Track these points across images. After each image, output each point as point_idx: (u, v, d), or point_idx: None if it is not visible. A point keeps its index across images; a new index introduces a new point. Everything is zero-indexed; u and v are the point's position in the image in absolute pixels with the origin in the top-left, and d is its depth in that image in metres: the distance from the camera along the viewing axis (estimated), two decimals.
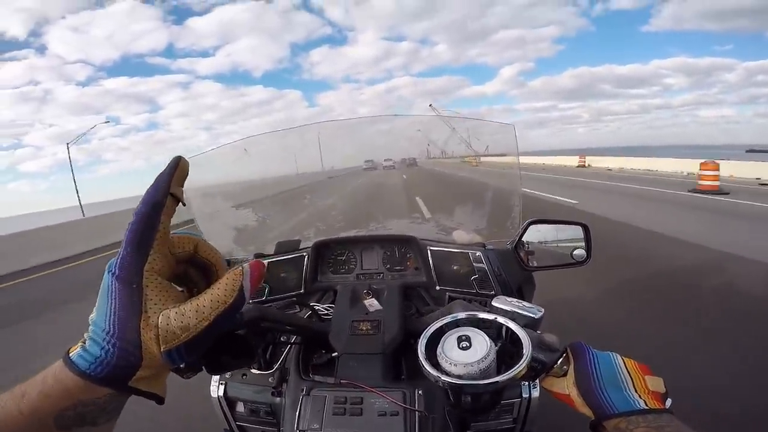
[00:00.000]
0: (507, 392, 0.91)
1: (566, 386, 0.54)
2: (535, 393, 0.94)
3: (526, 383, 0.94)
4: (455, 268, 1.11)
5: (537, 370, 0.55)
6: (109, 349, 0.31)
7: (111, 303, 0.32)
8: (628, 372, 0.51)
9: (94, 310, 0.33)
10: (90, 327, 0.33)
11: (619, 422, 0.46)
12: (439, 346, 0.54)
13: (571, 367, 0.54)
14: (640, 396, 0.48)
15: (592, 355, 0.54)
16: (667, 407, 0.49)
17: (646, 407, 0.47)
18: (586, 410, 0.51)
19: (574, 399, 0.52)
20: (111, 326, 0.32)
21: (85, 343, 0.32)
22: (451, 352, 0.53)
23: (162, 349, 0.32)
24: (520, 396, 0.94)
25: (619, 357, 0.54)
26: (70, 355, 0.32)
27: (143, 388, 0.34)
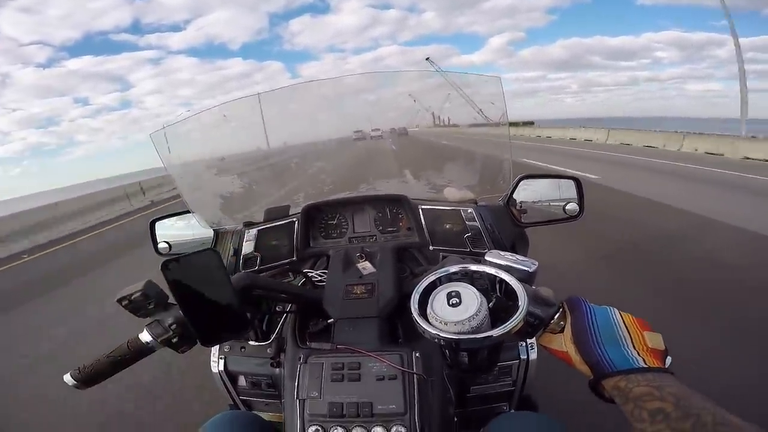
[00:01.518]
0: (505, 354, 0.92)
1: (563, 343, 0.53)
2: (533, 355, 0.94)
3: (524, 344, 0.94)
4: (448, 226, 1.10)
5: (534, 326, 0.54)
6: None
7: None
8: (627, 327, 0.50)
9: None
10: None
11: (619, 381, 0.45)
12: (429, 304, 0.53)
13: (568, 322, 0.53)
14: (639, 353, 0.47)
15: (589, 309, 0.53)
16: (667, 365, 0.48)
17: (646, 365, 0.45)
18: (584, 368, 0.50)
19: (572, 356, 0.51)
20: None
21: None
22: (441, 310, 0.52)
23: None
24: (518, 357, 0.94)
25: (617, 312, 0.53)
26: None
27: None
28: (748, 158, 10.09)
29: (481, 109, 1.24)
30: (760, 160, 9.75)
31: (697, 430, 0.37)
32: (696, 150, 12.10)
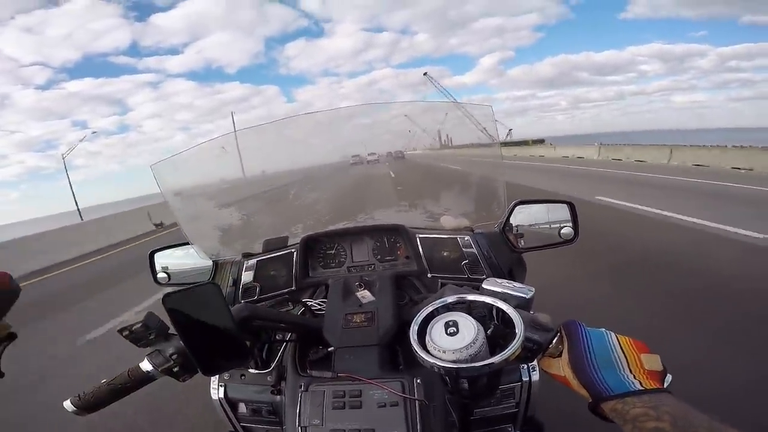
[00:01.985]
0: (507, 377, 0.92)
1: (561, 367, 0.53)
2: (535, 376, 0.94)
3: (526, 367, 0.94)
4: (445, 254, 1.11)
5: (533, 351, 0.55)
6: None
7: None
8: (623, 351, 0.51)
9: None
10: None
11: (615, 404, 0.46)
12: (427, 333, 0.54)
13: (565, 347, 0.54)
14: (635, 376, 0.48)
15: (585, 334, 0.53)
16: (666, 385, 0.48)
17: (642, 387, 0.46)
18: (582, 391, 0.50)
19: (570, 380, 0.52)
20: None
21: None
22: (439, 339, 0.53)
23: None
24: (521, 380, 0.94)
25: (613, 335, 0.53)
26: None
27: None
28: (735, 168, 10.27)
29: (485, 128, 1.26)
30: (744, 169, 9.99)
31: None
32: (684, 162, 12.45)
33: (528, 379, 0.94)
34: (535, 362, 0.57)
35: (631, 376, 0.48)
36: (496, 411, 0.96)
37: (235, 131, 1.27)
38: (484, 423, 0.97)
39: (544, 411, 1.07)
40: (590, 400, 0.49)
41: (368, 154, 2.19)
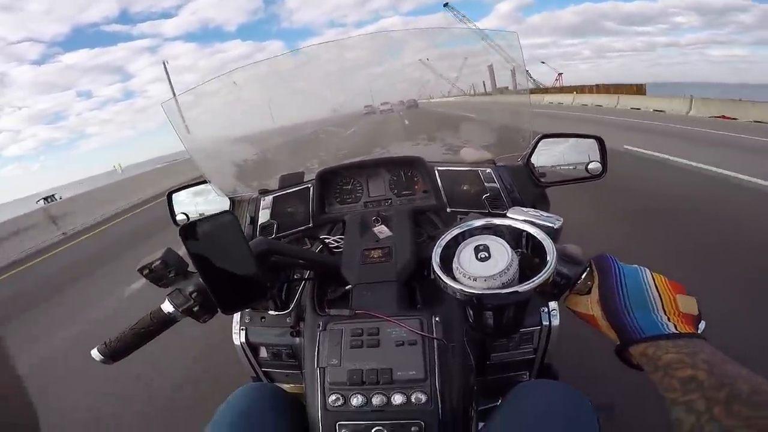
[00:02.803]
0: (527, 320, 0.88)
1: (590, 306, 0.50)
2: (555, 321, 0.90)
3: (546, 310, 0.91)
4: (465, 188, 1.07)
5: (560, 286, 0.52)
6: None
7: None
8: (658, 290, 0.47)
9: None
10: None
11: (647, 348, 0.43)
12: (455, 258, 0.51)
13: (596, 283, 0.50)
14: (669, 318, 0.44)
15: (619, 270, 0.50)
16: (700, 331, 0.45)
17: (676, 331, 0.43)
18: (611, 333, 0.47)
19: (598, 320, 0.49)
20: None
21: None
22: (468, 265, 0.49)
23: None
24: (540, 324, 0.91)
25: (648, 273, 0.50)
26: None
27: None
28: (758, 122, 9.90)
29: (520, 67, 1.17)
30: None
31: (732, 399, 0.34)
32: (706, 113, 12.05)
33: (548, 323, 0.91)
34: (555, 306, 0.54)
35: (665, 318, 0.45)
36: (513, 356, 0.95)
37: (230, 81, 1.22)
38: (501, 368, 0.96)
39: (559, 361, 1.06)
40: (618, 343, 0.46)
41: (381, 104, 2.09)
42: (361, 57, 1.43)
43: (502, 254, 0.49)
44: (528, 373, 0.99)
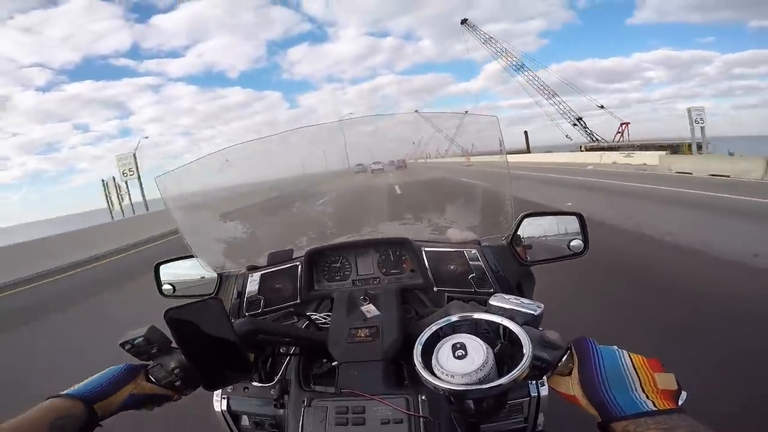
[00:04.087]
0: (515, 392, 0.90)
1: (570, 386, 0.52)
2: (544, 391, 0.92)
3: (534, 382, 0.92)
4: (452, 267, 1.09)
5: (541, 369, 0.53)
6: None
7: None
8: (635, 370, 0.49)
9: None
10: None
11: (627, 425, 0.44)
12: (433, 356, 0.52)
13: (576, 365, 0.52)
14: (648, 396, 0.46)
15: (597, 352, 0.52)
16: (680, 403, 0.47)
17: (655, 408, 0.44)
18: (592, 411, 0.48)
19: (580, 399, 0.50)
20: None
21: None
22: (446, 363, 0.51)
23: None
24: (529, 395, 0.92)
25: (625, 354, 0.52)
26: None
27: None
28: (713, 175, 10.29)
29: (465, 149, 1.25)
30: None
31: None
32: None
33: (537, 394, 0.92)
34: (543, 378, 0.55)
35: (643, 396, 0.46)
36: (505, 426, 0.94)
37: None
38: None
39: (553, 426, 1.04)
40: (600, 420, 0.47)
41: (372, 163, 2.20)
42: (355, 125, 1.53)
43: (479, 352, 0.51)
44: None
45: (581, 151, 28.81)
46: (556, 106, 40.85)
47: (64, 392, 0.59)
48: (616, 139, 34.85)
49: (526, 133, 41.03)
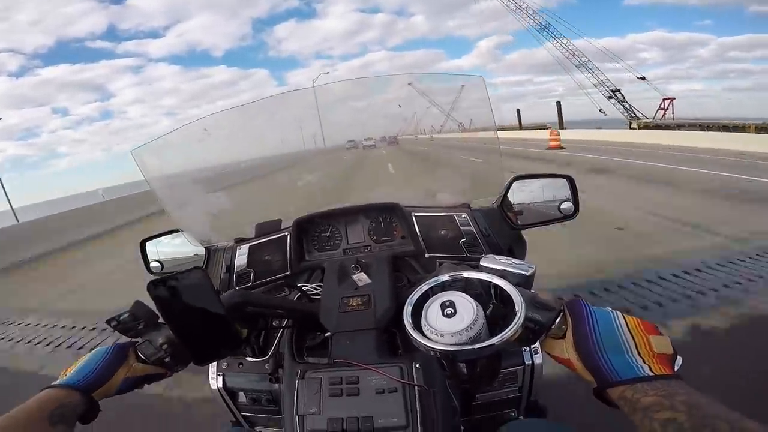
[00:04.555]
0: (509, 360, 0.90)
1: (565, 349, 0.51)
2: (538, 359, 0.92)
3: (528, 350, 0.92)
4: (443, 233, 1.08)
5: (534, 332, 0.52)
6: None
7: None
8: (631, 332, 0.48)
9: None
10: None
11: (624, 390, 0.43)
12: (422, 315, 0.51)
13: (569, 328, 0.51)
14: (644, 360, 0.45)
15: (591, 313, 0.51)
16: (677, 369, 0.46)
17: (652, 373, 0.44)
18: (587, 376, 0.48)
19: (574, 363, 0.49)
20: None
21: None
22: (435, 321, 0.50)
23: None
24: (523, 363, 0.92)
25: (620, 315, 0.51)
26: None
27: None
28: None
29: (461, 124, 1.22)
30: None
31: None
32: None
33: (531, 362, 0.92)
34: (537, 344, 0.55)
35: (640, 360, 0.45)
36: (499, 395, 0.95)
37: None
38: (487, 407, 0.96)
39: (547, 395, 1.06)
40: (596, 385, 0.47)
41: (364, 139, 2.16)
42: (346, 96, 1.48)
43: (468, 309, 0.50)
44: (516, 411, 0.99)
45: (632, 129, 24.61)
46: (590, 74, 34.74)
47: (58, 382, 0.58)
48: (659, 116, 29.85)
49: (518, 111, 37.25)
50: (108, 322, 0.66)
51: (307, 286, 1.00)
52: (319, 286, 0.98)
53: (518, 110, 37.89)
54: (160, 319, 0.63)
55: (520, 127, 33.48)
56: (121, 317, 0.65)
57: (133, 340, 0.67)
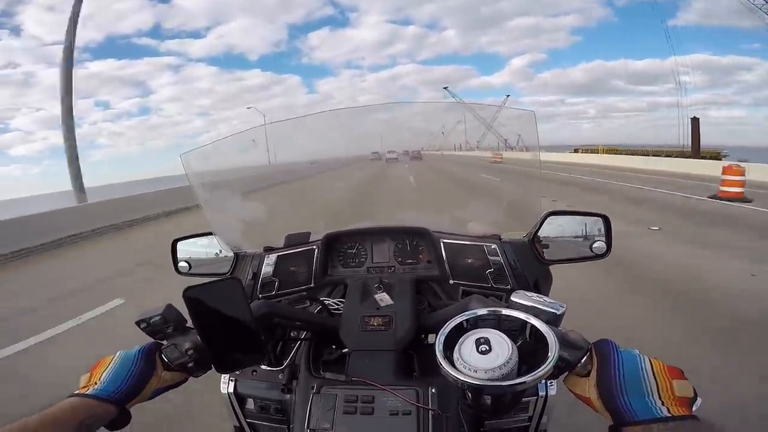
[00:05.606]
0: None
1: (587, 388, 0.51)
2: (552, 391, 0.91)
3: (544, 381, 0.91)
4: (469, 261, 1.07)
5: (560, 369, 0.53)
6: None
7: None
8: (654, 376, 0.48)
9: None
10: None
11: (640, 430, 0.44)
12: (456, 350, 0.52)
13: (594, 367, 0.52)
14: (663, 402, 0.45)
15: (617, 356, 0.51)
16: (695, 409, 0.46)
17: (669, 414, 0.44)
18: (605, 414, 0.48)
19: (594, 402, 0.50)
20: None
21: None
22: (469, 358, 0.50)
23: None
24: (537, 394, 0.91)
25: (646, 359, 0.51)
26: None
27: None
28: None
29: (506, 140, 1.22)
30: None
31: None
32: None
33: (545, 393, 0.91)
34: (557, 378, 0.55)
35: (659, 402, 0.46)
36: (508, 424, 0.94)
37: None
38: None
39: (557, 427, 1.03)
40: (612, 423, 0.47)
41: (387, 152, 2.19)
42: (374, 112, 1.51)
43: (503, 348, 0.50)
44: None
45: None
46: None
47: (91, 392, 0.58)
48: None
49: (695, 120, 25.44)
50: (138, 323, 0.67)
51: (328, 300, 1.01)
52: (341, 301, 0.98)
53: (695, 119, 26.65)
54: (188, 324, 0.65)
55: (696, 152, 24.26)
56: (152, 320, 0.66)
57: (158, 342, 0.68)
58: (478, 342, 0.51)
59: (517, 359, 0.49)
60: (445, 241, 1.11)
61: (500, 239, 1.09)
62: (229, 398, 0.94)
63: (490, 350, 0.50)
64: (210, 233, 1.16)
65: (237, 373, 0.94)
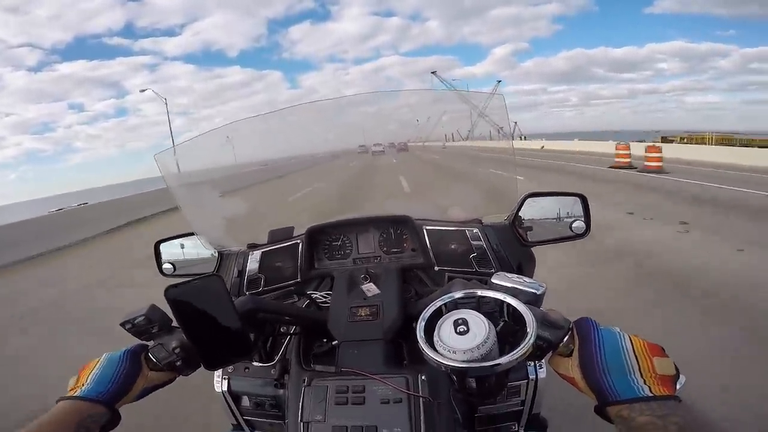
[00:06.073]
0: (513, 374, 0.90)
1: (570, 368, 0.52)
2: (542, 374, 0.92)
3: (532, 364, 0.92)
4: (453, 246, 1.08)
5: (542, 349, 0.54)
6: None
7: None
8: (635, 354, 0.49)
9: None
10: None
11: (621, 409, 0.45)
12: (435, 332, 0.52)
13: (576, 347, 0.53)
14: (645, 381, 0.46)
15: (598, 334, 0.52)
16: (679, 387, 0.47)
17: (651, 394, 0.45)
18: (589, 393, 0.49)
19: (578, 382, 0.51)
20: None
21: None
22: (448, 339, 0.51)
23: None
24: (527, 377, 0.92)
25: (626, 336, 0.52)
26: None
27: None
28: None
29: (501, 128, 1.23)
30: None
31: None
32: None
33: (534, 376, 0.93)
34: (543, 359, 0.56)
35: (641, 381, 0.47)
36: (501, 408, 0.95)
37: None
38: (489, 420, 0.96)
39: (549, 408, 1.05)
40: (597, 403, 0.48)
41: (373, 145, 2.18)
42: (358, 103, 1.50)
43: (480, 328, 0.50)
44: (517, 424, 0.99)
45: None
46: None
47: (79, 394, 0.59)
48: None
49: None
50: (122, 324, 0.66)
51: (316, 293, 1.02)
52: (328, 294, 0.99)
53: None
54: (174, 323, 0.64)
55: None
56: (136, 320, 0.66)
57: (144, 343, 0.68)
58: (456, 323, 0.52)
59: (495, 339, 0.50)
60: (427, 228, 1.12)
61: (481, 223, 1.11)
62: (224, 396, 0.95)
63: (468, 330, 0.50)
64: (191, 234, 1.14)
65: (230, 371, 0.94)
